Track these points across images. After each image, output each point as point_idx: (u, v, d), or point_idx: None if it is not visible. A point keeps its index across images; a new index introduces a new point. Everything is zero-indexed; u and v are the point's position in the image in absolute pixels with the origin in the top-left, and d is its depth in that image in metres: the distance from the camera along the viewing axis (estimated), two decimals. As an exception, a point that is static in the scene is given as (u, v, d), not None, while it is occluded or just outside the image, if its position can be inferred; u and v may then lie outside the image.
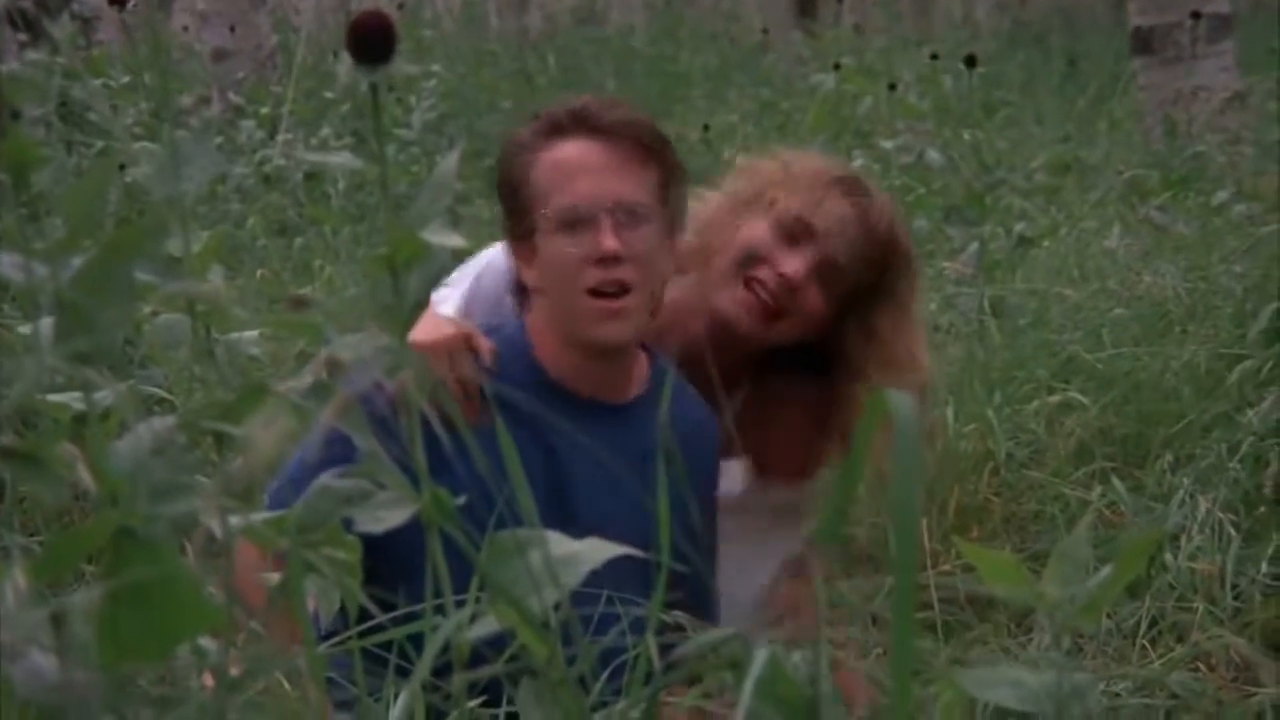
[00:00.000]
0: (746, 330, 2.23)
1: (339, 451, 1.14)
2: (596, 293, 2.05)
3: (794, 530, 2.38)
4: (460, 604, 1.14)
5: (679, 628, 1.58)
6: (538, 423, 2.05)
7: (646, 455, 2.00)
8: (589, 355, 2.11)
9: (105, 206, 1.15)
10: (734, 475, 2.34)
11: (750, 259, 2.23)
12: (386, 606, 1.30)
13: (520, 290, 2.20)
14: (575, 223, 2.05)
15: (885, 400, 0.90)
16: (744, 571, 2.30)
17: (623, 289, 2.05)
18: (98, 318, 1.07)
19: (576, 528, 1.97)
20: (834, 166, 2.38)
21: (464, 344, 2.08)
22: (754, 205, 2.28)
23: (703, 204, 2.32)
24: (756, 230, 2.25)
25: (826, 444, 2.37)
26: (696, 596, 1.83)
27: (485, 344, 2.10)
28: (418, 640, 1.18)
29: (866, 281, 2.27)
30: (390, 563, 1.63)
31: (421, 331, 2.02)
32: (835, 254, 2.24)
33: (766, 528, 2.36)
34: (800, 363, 2.32)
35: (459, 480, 1.27)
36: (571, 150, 2.09)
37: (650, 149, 2.11)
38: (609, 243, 2.04)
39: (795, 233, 2.24)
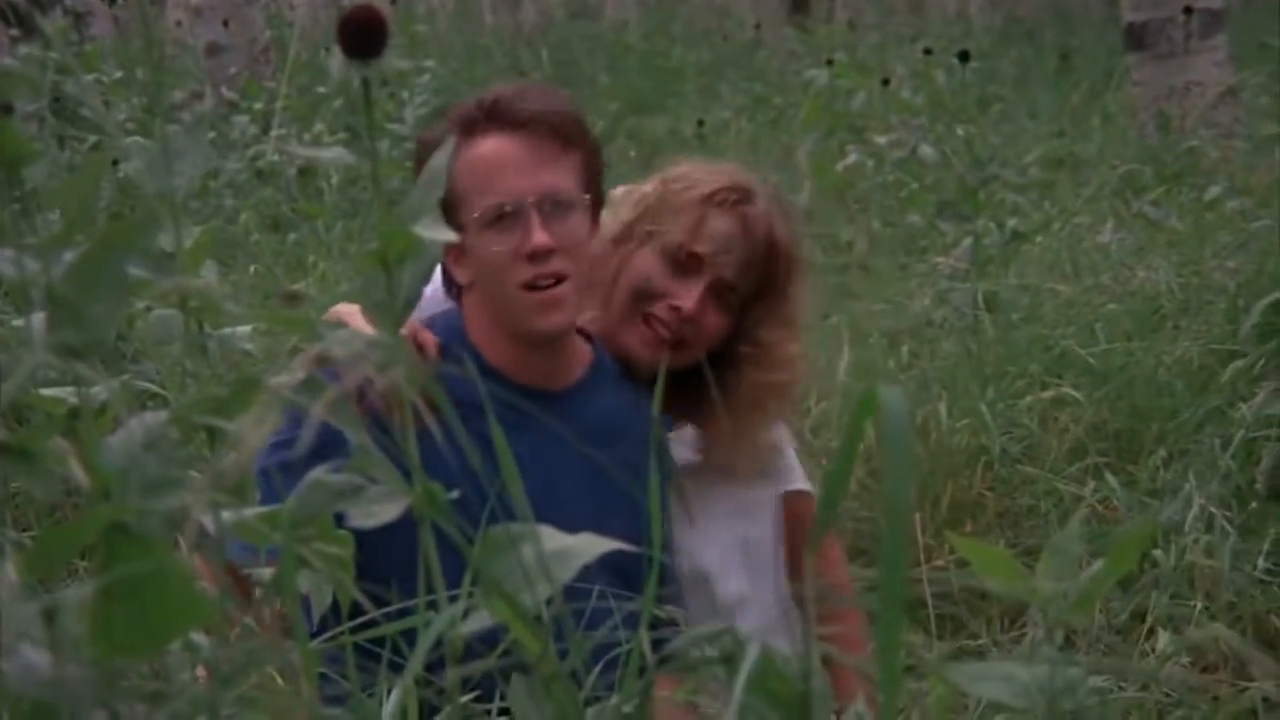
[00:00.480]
0: (651, 363, 2.25)
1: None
2: (531, 287, 2.06)
3: (751, 483, 2.39)
4: (453, 598, 1.15)
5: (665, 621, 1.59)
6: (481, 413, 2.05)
7: (590, 440, 2.04)
8: (529, 345, 2.12)
9: (99, 201, 1.15)
10: (685, 441, 2.36)
11: (644, 295, 2.25)
12: (379, 602, 1.30)
13: (452, 285, 2.19)
14: (502, 220, 2.06)
15: (875, 396, 0.90)
16: (707, 531, 2.31)
17: (557, 279, 2.07)
18: (89, 312, 1.07)
19: (547, 507, 2.00)
20: (711, 176, 2.35)
21: (409, 340, 2.07)
22: (638, 235, 2.29)
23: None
24: (645, 263, 2.26)
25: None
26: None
27: (430, 339, 2.11)
28: (410, 635, 1.18)
29: (753, 285, 2.30)
30: (378, 557, 1.63)
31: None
32: (725, 274, 2.26)
33: (722, 483, 2.36)
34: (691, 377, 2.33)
35: (441, 473, 1.26)
36: (489, 147, 2.08)
37: (568, 136, 2.10)
38: (539, 238, 2.05)
39: (682, 262, 2.25)
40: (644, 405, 2.22)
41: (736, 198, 2.29)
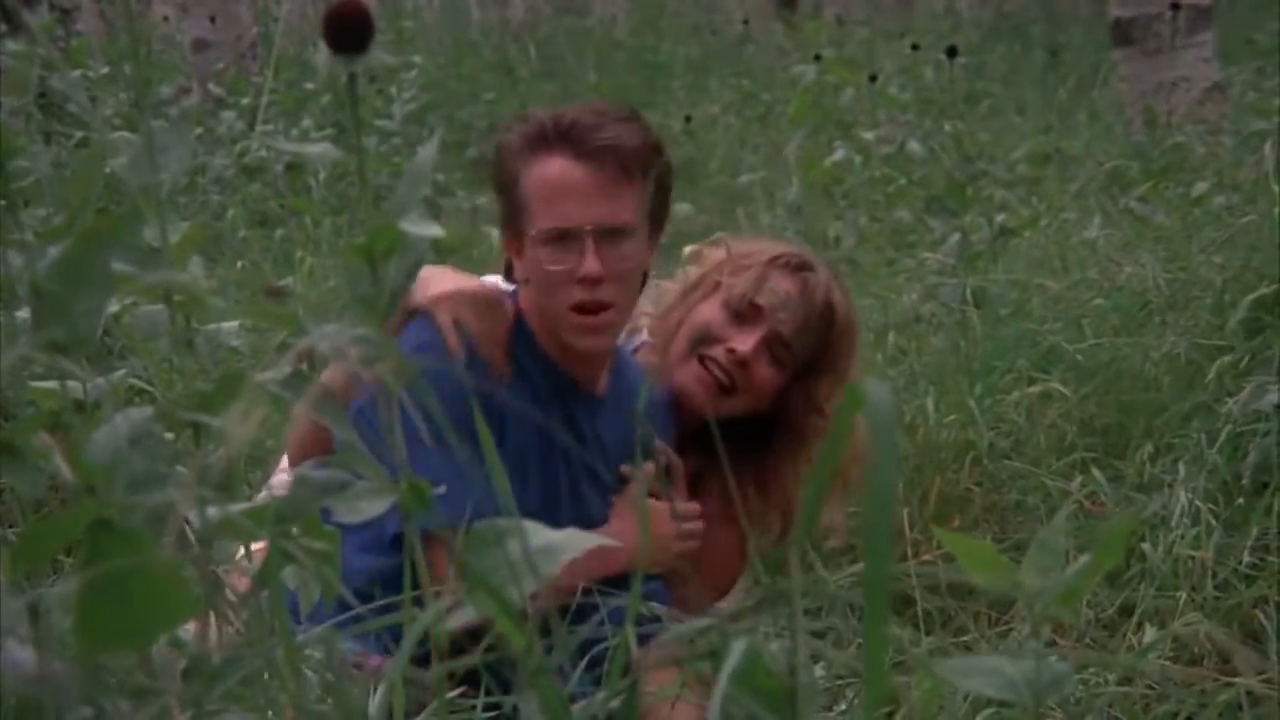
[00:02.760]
0: (701, 404, 2.38)
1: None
2: (579, 309, 2.17)
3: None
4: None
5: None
6: (546, 396, 2.22)
7: (618, 443, 2.25)
8: (568, 352, 2.24)
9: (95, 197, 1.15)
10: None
11: (704, 339, 2.40)
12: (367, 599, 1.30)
13: (512, 275, 2.29)
14: (560, 241, 2.16)
15: (862, 394, 0.90)
16: None
17: (602, 306, 2.18)
18: (74, 307, 1.07)
19: (568, 506, 2.10)
20: (776, 245, 2.53)
21: (498, 299, 2.23)
22: (704, 289, 2.44)
23: (659, 292, 2.50)
24: (708, 311, 2.41)
25: (744, 563, 2.49)
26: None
27: (509, 305, 2.24)
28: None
29: (810, 352, 2.42)
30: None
31: (452, 283, 2.21)
32: (781, 329, 2.40)
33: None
34: (743, 435, 2.43)
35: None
36: (556, 170, 2.17)
37: (634, 168, 2.19)
38: (592, 266, 2.15)
39: (743, 312, 2.40)
40: (673, 414, 2.37)
41: (799, 263, 2.46)
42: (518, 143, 2.20)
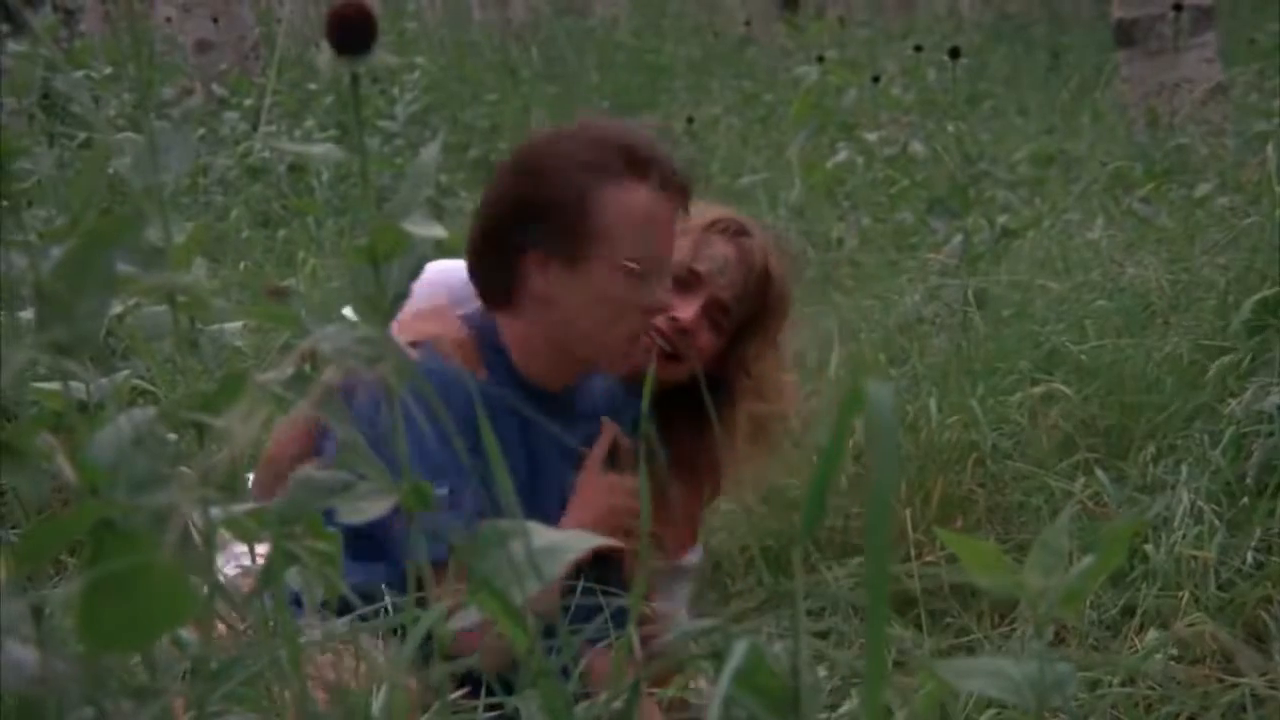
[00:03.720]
0: (645, 372, 2.34)
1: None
2: (635, 338, 2.17)
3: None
4: None
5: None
6: (517, 412, 2.15)
7: (589, 437, 2.24)
8: (578, 369, 2.22)
9: (99, 198, 1.15)
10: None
11: None
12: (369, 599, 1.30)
13: (503, 294, 2.19)
14: (644, 275, 2.12)
15: (862, 395, 0.90)
16: None
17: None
18: (77, 308, 1.07)
19: (546, 509, 2.09)
20: (713, 211, 2.51)
21: (452, 341, 2.18)
22: None
23: None
24: None
25: (699, 509, 2.53)
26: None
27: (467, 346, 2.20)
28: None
29: (746, 316, 2.44)
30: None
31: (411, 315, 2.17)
32: (721, 295, 2.41)
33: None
34: (677, 400, 2.43)
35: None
36: (648, 200, 2.12)
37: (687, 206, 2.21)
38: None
39: (683, 279, 2.39)
40: (630, 393, 2.35)
41: (736, 228, 2.46)
42: (590, 158, 2.10)
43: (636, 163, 2.12)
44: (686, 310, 2.39)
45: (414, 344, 2.10)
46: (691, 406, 2.40)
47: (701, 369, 2.38)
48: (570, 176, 2.10)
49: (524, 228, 2.12)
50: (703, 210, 2.47)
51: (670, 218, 2.15)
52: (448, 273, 2.31)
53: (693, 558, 2.55)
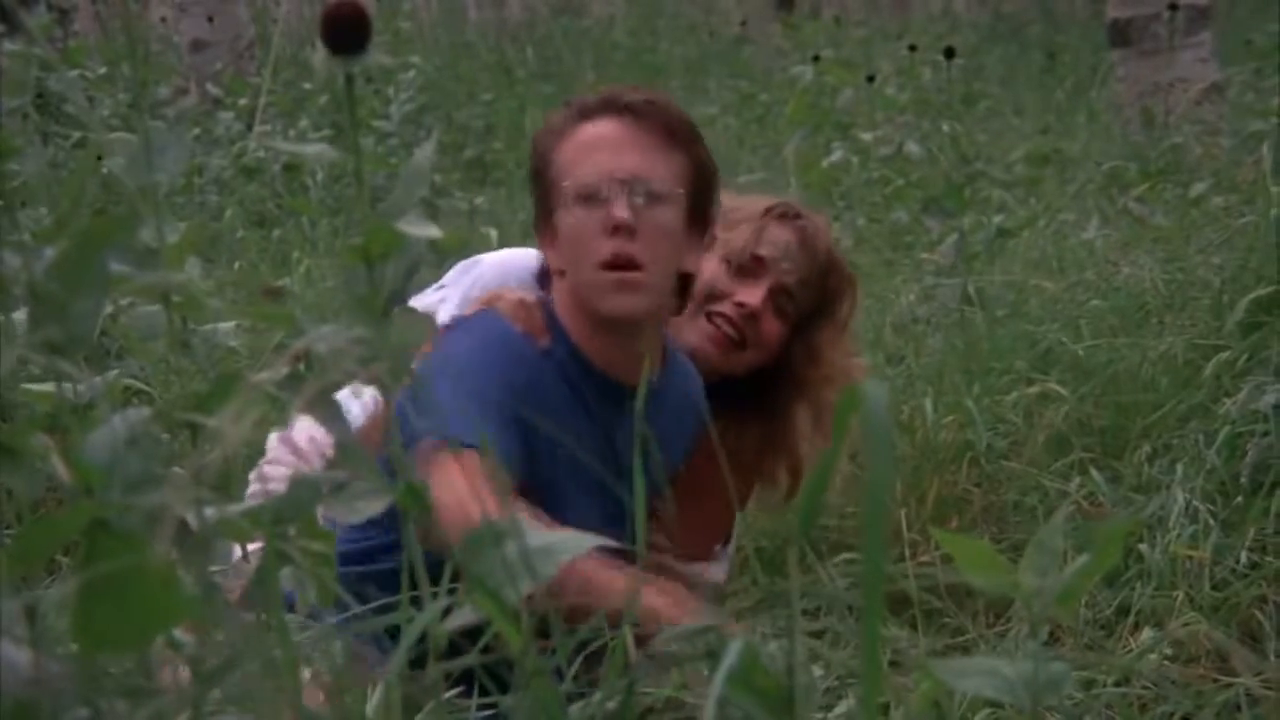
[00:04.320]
0: (714, 362, 2.36)
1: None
2: (608, 265, 2.08)
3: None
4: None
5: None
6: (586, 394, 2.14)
7: (665, 440, 2.15)
8: (607, 330, 2.14)
9: (89, 198, 1.15)
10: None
11: (710, 296, 2.37)
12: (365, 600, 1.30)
13: (545, 276, 2.25)
14: (591, 196, 2.09)
15: (858, 393, 0.90)
16: None
17: (633, 263, 2.08)
18: (72, 308, 1.06)
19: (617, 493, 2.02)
20: (765, 198, 2.51)
21: (527, 312, 2.17)
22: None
23: None
24: (708, 268, 2.34)
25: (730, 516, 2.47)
26: None
27: (539, 325, 2.16)
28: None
29: (811, 301, 2.42)
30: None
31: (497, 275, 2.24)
32: (785, 280, 2.39)
33: None
34: (747, 392, 2.43)
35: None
36: (593, 129, 2.12)
37: (675, 134, 2.13)
38: (620, 212, 2.06)
39: (746, 265, 2.38)
40: (699, 397, 2.30)
41: (794, 214, 2.44)
42: (559, 122, 2.15)
43: (585, 108, 2.14)
44: (753, 296, 2.37)
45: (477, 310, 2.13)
46: (748, 404, 2.39)
47: (767, 358, 2.38)
48: (539, 147, 2.17)
49: (534, 211, 2.21)
50: (756, 198, 2.49)
51: (621, 136, 2.11)
52: (514, 258, 2.36)
53: (718, 573, 2.48)
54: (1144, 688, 2.10)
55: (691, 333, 2.36)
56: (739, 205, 2.44)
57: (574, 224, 2.10)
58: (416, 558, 1.14)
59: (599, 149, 2.10)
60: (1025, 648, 1.17)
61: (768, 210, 2.43)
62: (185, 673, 1.10)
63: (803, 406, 2.43)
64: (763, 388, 2.43)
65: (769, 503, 2.53)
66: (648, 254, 2.09)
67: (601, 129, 2.12)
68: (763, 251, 2.38)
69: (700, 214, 2.17)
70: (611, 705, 1.14)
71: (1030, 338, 3.73)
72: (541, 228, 2.18)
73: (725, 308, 2.36)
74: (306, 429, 2.33)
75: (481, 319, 2.15)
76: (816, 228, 2.43)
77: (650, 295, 2.12)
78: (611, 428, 2.15)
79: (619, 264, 2.08)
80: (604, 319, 2.12)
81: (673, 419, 2.24)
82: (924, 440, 3.27)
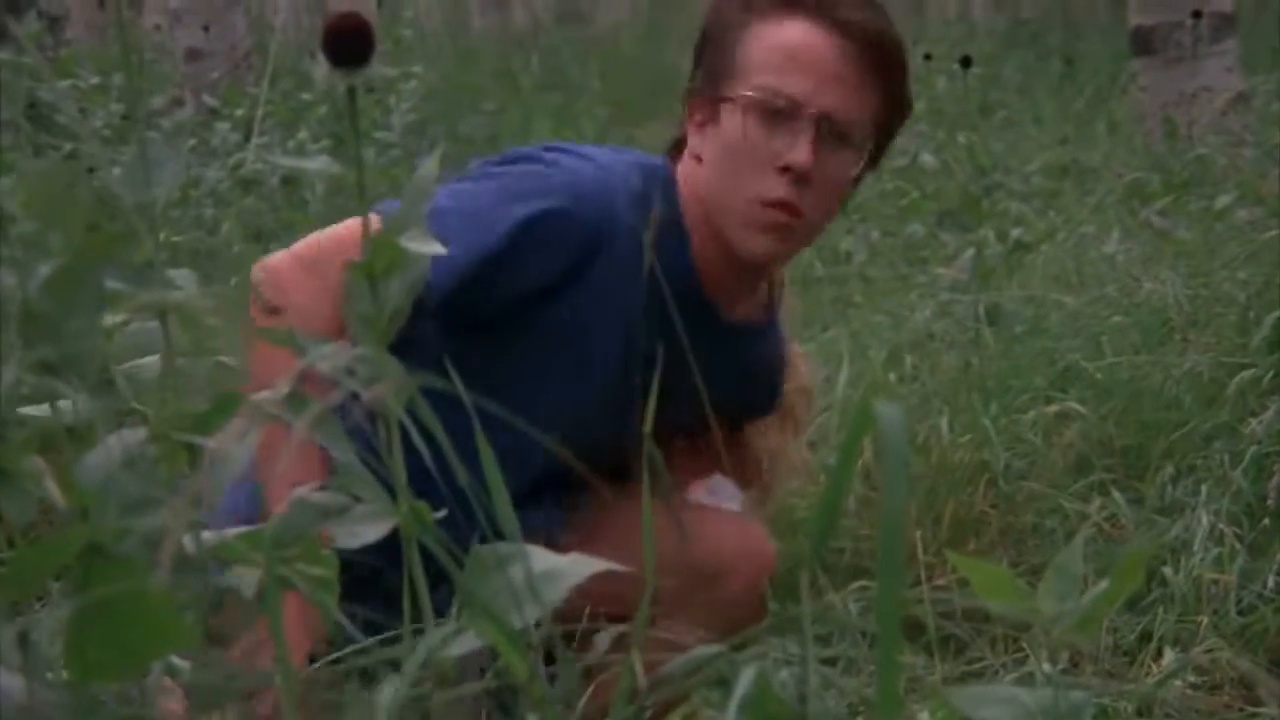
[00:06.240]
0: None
1: None
2: (769, 204, 1.85)
3: None
4: None
5: None
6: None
7: (739, 374, 1.98)
8: (727, 256, 1.91)
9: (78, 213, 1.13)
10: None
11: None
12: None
13: (678, 145, 1.98)
14: (776, 115, 1.84)
15: (871, 411, 0.87)
16: None
17: (796, 213, 1.85)
18: (67, 327, 1.05)
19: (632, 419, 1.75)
20: None
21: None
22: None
23: None
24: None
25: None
26: None
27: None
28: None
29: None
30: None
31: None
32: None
33: None
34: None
35: None
36: (799, 34, 1.86)
37: (884, 68, 1.88)
38: (802, 157, 1.83)
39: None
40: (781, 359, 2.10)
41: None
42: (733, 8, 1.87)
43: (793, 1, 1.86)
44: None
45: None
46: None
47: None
48: (725, 13, 1.91)
49: (693, 73, 1.94)
50: None
51: (830, 61, 1.84)
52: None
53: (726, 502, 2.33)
54: (1167, 716, 2.08)
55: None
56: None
57: (743, 139, 1.85)
58: (419, 581, 1.12)
59: (802, 65, 1.84)
60: (1044, 675, 1.15)
61: None
62: (182, 700, 1.09)
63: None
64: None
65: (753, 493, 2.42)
66: (811, 202, 1.86)
67: (807, 38, 1.85)
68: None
69: (876, 157, 1.95)
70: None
71: (1049, 355, 3.70)
72: (698, 100, 1.91)
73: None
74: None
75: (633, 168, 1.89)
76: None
77: (796, 244, 1.92)
78: (670, 337, 1.74)
79: (782, 206, 1.85)
80: (733, 249, 1.89)
81: (744, 373, 2.03)
82: (940, 460, 3.23)
